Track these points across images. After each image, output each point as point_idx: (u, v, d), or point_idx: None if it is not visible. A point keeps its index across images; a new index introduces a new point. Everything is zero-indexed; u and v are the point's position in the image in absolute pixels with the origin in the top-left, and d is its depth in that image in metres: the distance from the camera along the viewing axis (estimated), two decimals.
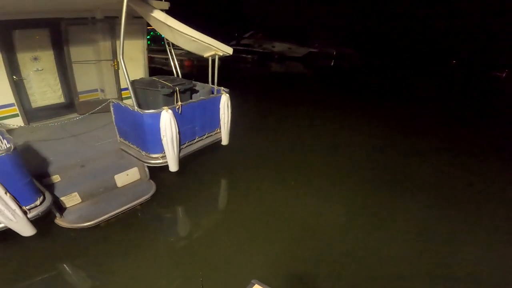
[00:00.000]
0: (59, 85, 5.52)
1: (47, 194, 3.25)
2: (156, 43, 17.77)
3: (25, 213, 2.92)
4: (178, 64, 5.56)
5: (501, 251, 3.67)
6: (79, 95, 5.70)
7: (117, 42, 5.60)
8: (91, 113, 4.88)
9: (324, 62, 20.01)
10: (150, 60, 7.25)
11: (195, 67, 16.08)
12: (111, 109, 4.48)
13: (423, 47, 21.56)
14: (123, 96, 5.98)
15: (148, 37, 6.40)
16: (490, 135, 7.89)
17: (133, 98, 3.98)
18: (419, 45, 21.74)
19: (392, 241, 3.81)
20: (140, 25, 5.74)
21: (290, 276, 3.20)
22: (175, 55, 5.54)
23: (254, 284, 2.68)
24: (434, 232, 3.99)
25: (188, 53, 5.52)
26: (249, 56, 20.66)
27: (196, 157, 5.02)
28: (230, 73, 14.75)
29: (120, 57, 3.63)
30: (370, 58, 21.34)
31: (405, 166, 5.87)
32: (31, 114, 5.22)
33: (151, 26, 5.08)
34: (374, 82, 14.74)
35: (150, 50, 7.22)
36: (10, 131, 4.48)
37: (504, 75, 16.69)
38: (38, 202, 3.04)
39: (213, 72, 5.11)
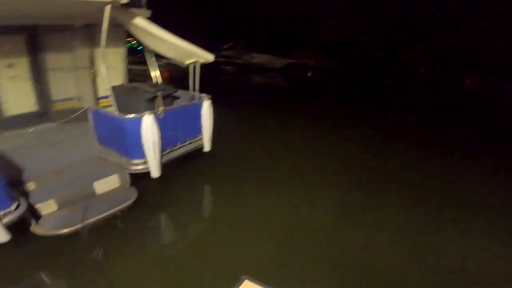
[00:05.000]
0: (33, 93, 5.36)
1: (22, 200, 3.15)
2: (133, 55, 17.55)
3: None
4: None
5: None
6: (55, 103, 5.56)
7: (96, 50, 5.56)
8: (67, 122, 4.78)
9: (302, 73, 20.56)
10: (128, 71, 7.19)
11: (175, 78, 16.00)
12: (89, 116, 4.42)
13: (392, 57, 22.63)
14: (101, 105, 5.89)
15: None
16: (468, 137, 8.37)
17: (114, 103, 3.95)
18: (388, 55, 22.83)
19: (378, 235, 3.95)
20: (119, 33, 5.71)
21: (280, 274, 3.24)
22: None
23: (244, 280, 2.68)
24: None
25: (168, 64, 5.58)
26: (228, 67, 20.85)
27: (179, 163, 4.99)
28: (210, 85, 14.84)
29: (100, 63, 3.62)
30: (344, 69, 22.14)
31: (383, 168, 6.11)
32: (3, 122, 5.02)
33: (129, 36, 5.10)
34: (347, 91, 15.32)
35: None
36: None
37: (468, 82, 17.77)
38: (13, 208, 2.95)
39: (194, 79, 5.17)
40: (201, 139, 5.24)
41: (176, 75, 16.04)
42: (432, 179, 5.69)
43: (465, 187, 5.42)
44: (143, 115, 3.85)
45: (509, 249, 3.79)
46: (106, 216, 3.75)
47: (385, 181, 5.51)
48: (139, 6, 4.87)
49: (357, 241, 3.86)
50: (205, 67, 5.29)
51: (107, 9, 3.38)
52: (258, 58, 21.87)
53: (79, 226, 3.49)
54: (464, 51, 19.68)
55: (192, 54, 4.71)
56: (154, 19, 4.88)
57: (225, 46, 23.23)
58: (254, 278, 2.54)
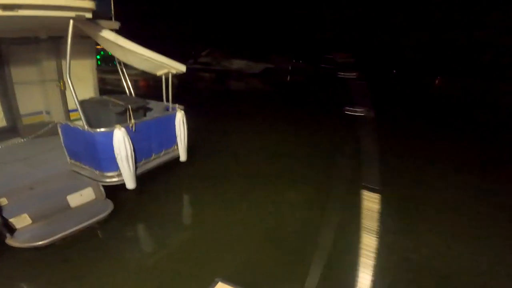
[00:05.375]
0: (1, 108, 5.18)
1: None
2: (107, 64, 17.16)
3: None
4: (133, 84, 5.54)
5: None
6: (23, 118, 5.38)
7: (63, 62, 5.44)
8: (37, 137, 4.65)
9: (281, 77, 20.79)
10: (102, 81, 7.08)
11: (151, 87, 15.79)
12: (59, 131, 4.33)
13: (365, 58, 23.42)
14: (72, 118, 5.73)
15: (98, 57, 6.29)
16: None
17: (83, 118, 3.89)
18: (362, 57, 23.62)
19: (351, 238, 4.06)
20: (88, 44, 5.61)
21: (255, 277, 3.31)
22: (129, 75, 5.51)
23: (218, 282, 2.73)
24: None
25: (143, 73, 5.54)
26: (207, 74, 20.79)
27: (155, 174, 4.96)
28: (189, 92, 14.78)
29: (67, 76, 3.57)
30: (320, 71, 22.58)
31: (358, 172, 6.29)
32: None
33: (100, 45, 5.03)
34: (324, 95, 15.66)
35: (101, 71, 7.02)
36: None
37: (436, 81, 18.68)
38: None
39: (167, 90, 5.16)
40: (176, 149, 5.22)
41: (153, 83, 15.88)
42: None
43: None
44: (114, 129, 3.82)
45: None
46: (82, 227, 3.70)
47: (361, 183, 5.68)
48: (107, 18, 4.83)
49: (331, 244, 3.94)
50: (184, 75, 5.27)
51: (71, 23, 3.34)
52: (237, 64, 21.95)
53: (55, 238, 3.44)
54: (433, 53, 20.75)
55: (163, 65, 4.71)
56: (124, 30, 4.87)
57: (203, 53, 23.19)
58: (228, 280, 2.62)
